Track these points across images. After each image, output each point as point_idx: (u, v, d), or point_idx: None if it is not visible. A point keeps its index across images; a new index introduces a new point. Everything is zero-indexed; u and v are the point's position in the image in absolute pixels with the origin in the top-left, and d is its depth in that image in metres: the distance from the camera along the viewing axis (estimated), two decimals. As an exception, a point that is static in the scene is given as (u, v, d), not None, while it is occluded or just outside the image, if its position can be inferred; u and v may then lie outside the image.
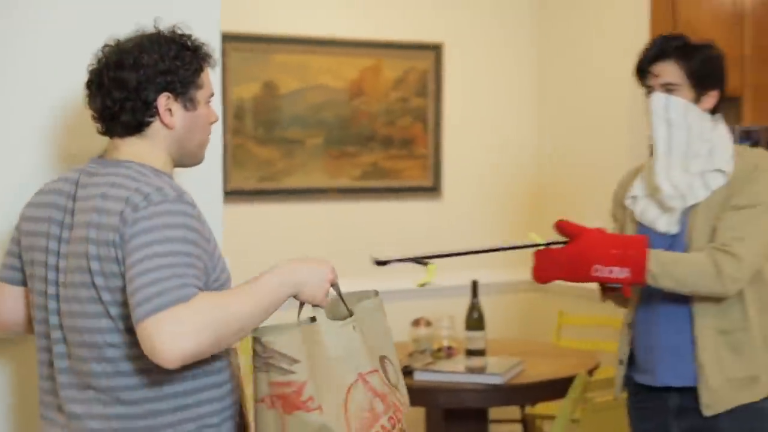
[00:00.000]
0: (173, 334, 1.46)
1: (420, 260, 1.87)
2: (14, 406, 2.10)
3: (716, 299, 2.19)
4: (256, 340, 1.68)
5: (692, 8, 4.76)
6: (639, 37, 4.31)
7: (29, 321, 1.82)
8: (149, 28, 1.75)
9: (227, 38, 3.80)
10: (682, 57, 2.23)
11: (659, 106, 2.22)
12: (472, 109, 4.78)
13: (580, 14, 4.63)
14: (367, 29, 4.53)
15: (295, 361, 1.64)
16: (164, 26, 1.76)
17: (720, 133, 2.26)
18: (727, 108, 4.91)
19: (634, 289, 2.31)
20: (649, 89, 2.26)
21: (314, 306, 1.70)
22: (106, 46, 1.74)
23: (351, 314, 1.73)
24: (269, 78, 4.30)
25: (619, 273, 2.10)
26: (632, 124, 4.33)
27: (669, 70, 2.24)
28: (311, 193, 4.40)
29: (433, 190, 4.68)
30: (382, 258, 1.87)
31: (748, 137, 4.50)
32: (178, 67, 1.70)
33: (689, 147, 2.22)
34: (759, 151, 2.30)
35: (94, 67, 1.72)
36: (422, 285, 1.92)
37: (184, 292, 1.50)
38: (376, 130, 4.56)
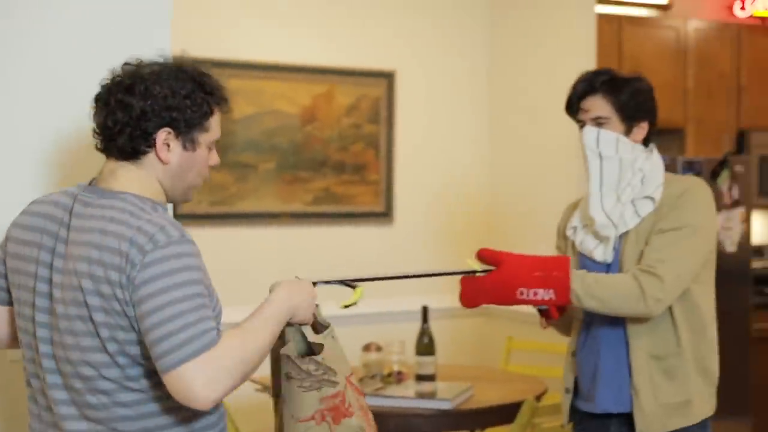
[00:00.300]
0: (208, 379, 1.52)
1: (347, 283, 1.89)
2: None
3: (649, 325, 2.23)
4: (307, 359, 1.76)
5: (637, 44, 4.90)
6: (586, 67, 4.40)
7: (12, 339, 1.83)
8: (172, 56, 1.74)
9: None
10: (610, 91, 2.28)
11: (591, 140, 2.29)
12: (424, 136, 4.83)
13: (531, 44, 4.72)
14: (321, 56, 4.57)
15: (336, 373, 1.77)
16: (187, 59, 1.75)
17: (653, 162, 2.30)
18: (670, 140, 5.09)
19: (576, 318, 2.37)
20: (581, 123, 2.33)
21: (301, 326, 1.81)
22: (126, 64, 1.72)
23: (328, 325, 1.84)
24: (223, 102, 4.30)
25: (544, 294, 2.13)
26: (580, 154, 4.41)
27: (598, 105, 2.29)
28: (263, 217, 4.41)
29: (384, 215, 4.72)
30: (311, 279, 1.88)
31: (690, 168, 4.62)
32: (187, 106, 1.69)
33: (621, 178, 2.27)
34: (690, 178, 2.34)
35: (107, 83, 1.71)
36: (346, 306, 1.94)
37: (210, 337, 1.55)
38: (329, 156, 4.58)
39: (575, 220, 2.40)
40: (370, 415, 1.84)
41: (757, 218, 5.40)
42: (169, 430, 1.67)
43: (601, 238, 2.30)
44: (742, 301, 4.77)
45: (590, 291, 2.14)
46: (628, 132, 2.30)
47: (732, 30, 5.22)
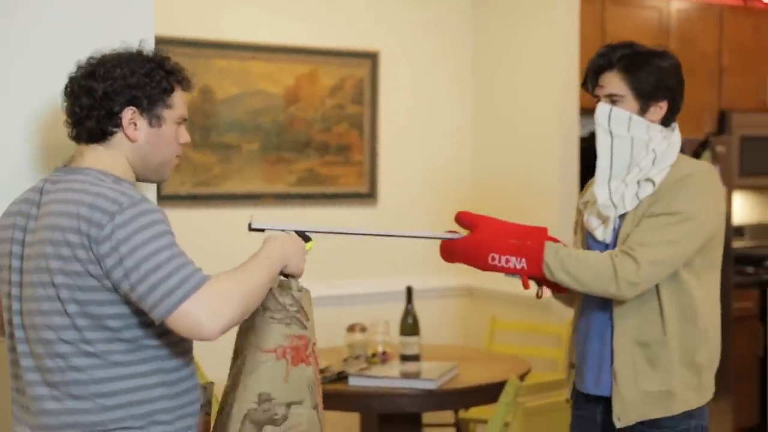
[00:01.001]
0: (211, 310, 1.61)
1: (300, 233, 1.87)
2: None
3: (636, 310, 2.18)
4: (285, 292, 1.84)
5: (619, 23, 4.90)
6: (569, 50, 4.43)
7: (2, 324, 1.88)
8: (134, 47, 1.82)
9: (162, 42, 3.78)
10: (627, 68, 2.21)
11: (602, 116, 2.21)
12: (408, 116, 4.83)
13: (514, 23, 4.72)
14: (305, 36, 4.55)
15: (308, 319, 1.85)
16: (148, 48, 1.84)
17: (670, 143, 2.23)
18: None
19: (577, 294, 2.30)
20: (597, 99, 2.25)
21: (295, 277, 1.86)
22: (90, 57, 1.80)
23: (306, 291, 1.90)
24: (206, 83, 4.29)
25: (516, 263, 2.11)
26: (563, 133, 4.44)
27: (613, 82, 2.22)
28: (247, 198, 4.40)
29: (368, 196, 4.72)
30: (259, 225, 1.88)
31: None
32: (146, 83, 1.77)
33: (632, 158, 2.20)
34: (699, 164, 2.26)
35: (72, 74, 1.80)
36: None
37: (200, 275, 1.64)
38: (313, 137, 4.58)
39: (588, 195, 2.34)
40: (320, 390, 1.89)
41: (738, 198, 5.45)
42: (123, 396, 1.71)
43: (601, 218, 2.25)
44: (724, 281, 4.77)
45: (563, 265, 2.11)
46: (643, 111, 2.22)
47: (714, 10, 5.24)
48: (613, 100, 2.22)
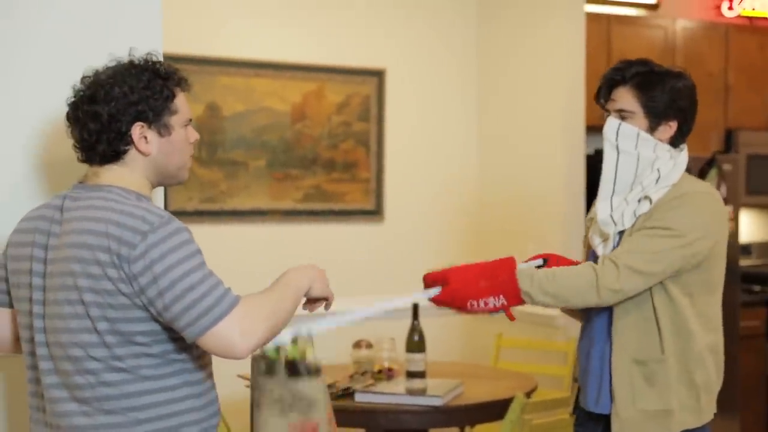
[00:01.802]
0: (243, 331, 1.65)
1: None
2: (7, 417, 2.13)
3: (634, 327, 2.17)
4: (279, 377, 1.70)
5: (625, 43, 4.92)
6: (575, 68, 4.44)
7: (14, 341, 1.88)
8: (124, 57, 1.82)
9: (170, 60, 3.80)
10: (640, 85, 2.19)
11: (611, 131, 2.20)
12: (414, 133, 4.84)
13: (520, 42, 4.74)
14: (311, 53, 4.57)
15: (314, 403, 1.69)
16: (138, 55, 1.83)
17: (676, 163, 2.20)
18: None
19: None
20: (607, 113, 2.24)
21: (326, 301, 1.89)
22: (84, 77, 1.80)
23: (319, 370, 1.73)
24: (213, 100, 4.31)
25: (495, 302, 2.12)
26: (569, 150, 4.44)
27: (625, 97, 2.20)
28: (254, 214, 4.41)
29: (375, 213, 4.73)
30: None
31: (679, 166, 4.65)
32: (148, 96, 1.77)
33: (636, 176, 2.19)
34: (700, 183, 2.23)
35: (72, 100, 1.80)
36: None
37: (233, 296, 1.68)
38: (319, 154, 4.59)
39: (593, 212, 2.32)
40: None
41: (745, 217, 5.44)
42: (154, 409, 1.72)
43: (603, 236, 2.24)
44: (731, 300, 4.79)
45: (541, 288, 2.11)
46: (653, 129, 2.20)
47: (720, 30, 5.25)
48: (623, 115, 2.21)
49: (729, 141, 5.18)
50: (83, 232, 1.68)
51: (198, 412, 1.77)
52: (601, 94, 2.26)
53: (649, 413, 2.17)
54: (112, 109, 1.74)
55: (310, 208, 4.56)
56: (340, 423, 3.02)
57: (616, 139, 2.20)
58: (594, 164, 4.46)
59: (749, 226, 5.53)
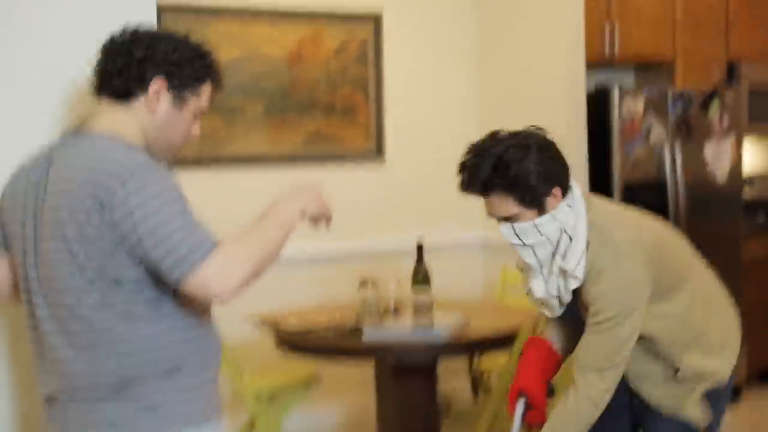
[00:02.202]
0: (220, 274, 1.64)
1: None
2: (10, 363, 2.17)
3: (643, 363, 2.31)
4: None
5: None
6: (576, 5, 4.39)
7: (13, 289, 1.90)
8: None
9: (165, 9, 3.76)
10: (506, 187, 2.15)
11: (512, 238, 2.21)
12: (412, 77, 4.80)
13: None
14: (307, -2, 4.52)
15: None
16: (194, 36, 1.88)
17: (576, 213, 2.21)
18: (659, 72, 5.06)
19: None
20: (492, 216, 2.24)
21: (326, 219, 1.88)
22: (140, 26, 1.83)
23: None
24: (209, 47, 4.26)
25: None
26: (570, 91, 4.40)
27: (501, 206, 2.18)
28: (253, 160, 4.39)
29: (375, 155, 4.71)
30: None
31: (681, 99, 4.61)
32: (185, 65, 1.81)
33: (556, 250, 2.22)
34: (602, 229, 2.22)
35: (115, 35, 1.81)
36: None
37: (210, 241, 1.67)
38: (318, 98, 4.55)
39: (521, 261, 2.33)
40: None
41: (748, 148, 5.41)
42: (148, 353, 1.73)
43: (549, 308, 2.33)
44: (734, 230, 4.81)
45: None
46: (542, 210, 2.19)
47: (720, -41, 5.17)
48: (510, 219, 2.20)
49: (731, 73, 5.13)
50: (70, 180, 1.69)
51: (194, 354, 1.79)
52: (471, 191, 2.22)
53: (673, 385, 2.32)
54: (148, 53, 1.77)
55: (310, 153, 4.54)
56: (348, 361, 3.04)
57: (520, 240, 2.20)
58: (597, 101, 4.43)
59: (752, 157, 5.50)
